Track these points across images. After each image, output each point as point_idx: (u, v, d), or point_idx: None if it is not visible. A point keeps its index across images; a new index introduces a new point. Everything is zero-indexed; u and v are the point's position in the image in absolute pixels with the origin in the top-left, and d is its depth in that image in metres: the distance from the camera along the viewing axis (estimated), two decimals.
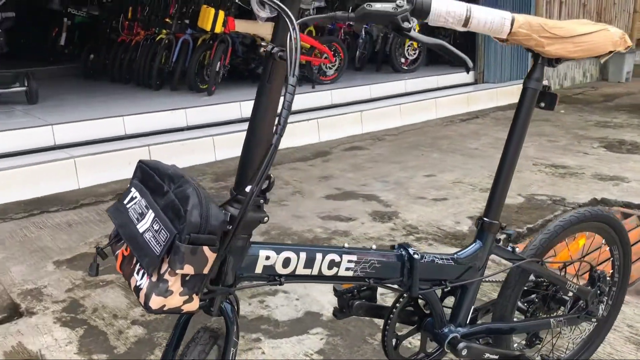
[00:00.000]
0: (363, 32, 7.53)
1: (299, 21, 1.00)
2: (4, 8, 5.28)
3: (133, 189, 1.09)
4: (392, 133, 5.68)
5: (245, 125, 1.09)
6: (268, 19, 5.39)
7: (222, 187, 4.08)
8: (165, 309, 0.97)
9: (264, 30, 5.59)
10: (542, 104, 1.51)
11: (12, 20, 5.25)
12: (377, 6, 0.95)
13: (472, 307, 1.57)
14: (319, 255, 1.24)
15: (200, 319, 1.18)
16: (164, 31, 6.15)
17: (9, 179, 3.74)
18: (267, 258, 1.17)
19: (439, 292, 1.58)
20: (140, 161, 1.15)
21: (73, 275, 2.77)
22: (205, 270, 0.97)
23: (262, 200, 1.12)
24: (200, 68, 5.71)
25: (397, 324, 1.52)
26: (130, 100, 5.46)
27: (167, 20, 6.11)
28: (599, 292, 1.74)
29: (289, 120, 1.00)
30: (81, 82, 7.12)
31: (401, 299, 1.49)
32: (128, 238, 1.01)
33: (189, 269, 0.94)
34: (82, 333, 2.27)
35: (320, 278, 1.26)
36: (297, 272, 1.22)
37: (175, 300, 0.96)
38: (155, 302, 0.96)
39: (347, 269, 1.29)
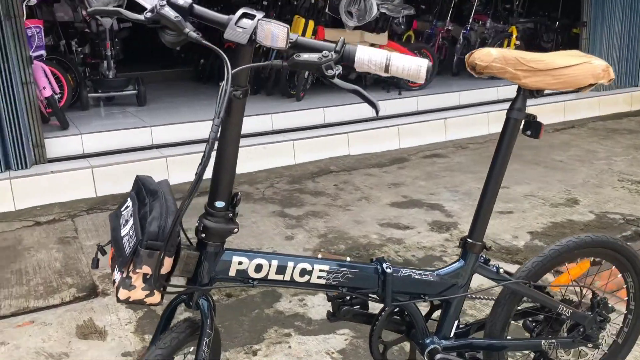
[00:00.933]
0: (461, 37, 7.48)
1: (234, 70, 1.16)
2: (122, 18, 5.91)
3: (128, 199, 1.33)
4: (477, 142, 5.63)
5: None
6: (356, 28, 5.58)
7: (295, 190, 4.32)
8: (130, 300, 1.19)
9: (351, 37, 5.77)
10: (529, 132, 1.56)
11: (129, 30, 5.86)
12: (305, 56, 1.11)
13: (456, 321, 1.65)
14: (290, 264, 1.41)
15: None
16: None
17: (110, 174, 4.23)
18: (240, 263, 1.37)
19: (427, 304, 1.69)
20: (137, 176, 1.39)
21: None
22: (163, 271, 1.18)
23: (230, 214, 1.31)
24: (292, 75, 6.01)
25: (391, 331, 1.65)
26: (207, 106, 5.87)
27: None
28: (599, 318, 1.75)
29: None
30: (190, 85, 7.71)
31: (386, 309, 1.62)
32: (114, 240, 1.25)
33: (147, 269, 1.16)
34: (141, 315, 2.60)
35: (293, 283, 1.43)
36: (269, 277, 1.40)
37: (138, 293, 1.19)
38: (122, 293, 1.19)
39: (319, 277, 1.45)
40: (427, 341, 1.63)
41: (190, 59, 8.52)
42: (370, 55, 1.11)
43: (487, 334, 1.71)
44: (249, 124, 5.06)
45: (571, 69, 1.46)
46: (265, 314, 2.57)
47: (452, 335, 1.66)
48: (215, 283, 1.36)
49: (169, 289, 1.26)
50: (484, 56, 1.43)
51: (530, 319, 1.78)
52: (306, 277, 1.44)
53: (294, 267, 1.42)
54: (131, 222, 1.22)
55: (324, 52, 1.10)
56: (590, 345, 1.75)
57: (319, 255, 1.47)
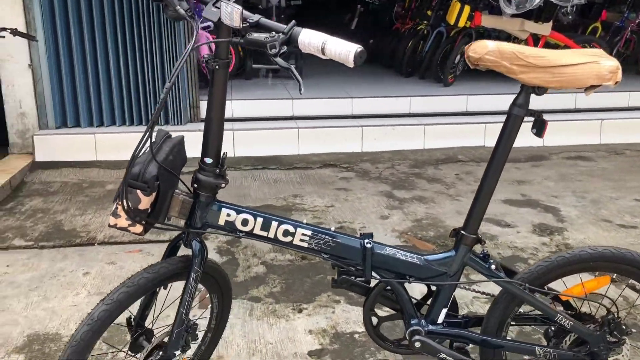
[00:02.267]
0: None
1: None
2: None
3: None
4: (637, 149, 5.09)
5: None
6: (513, 15, 5.34)
7: (413, 174, 4.37)
8: (117, 226, 1.46)
9: (510, 25, 5.53)
10: (534, 130, 1.52)
11: (297, 7, 6.28)
12: (255, 35, 1.25)
13: (444, 308, 1.67)
14: (274, 223, 1.58)
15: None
16: (424, 22, 6.53)
17: (248, 138, 4.68)
18: (228, 215, 1.56)
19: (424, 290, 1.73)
20: (158, 129, 1.64)
21: None
22: (141, 207, 1.42)
23: (218, 170, 1.51)
24: (444, 60, 5.96)
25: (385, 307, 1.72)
26: (373, 83, 6.03)
27: (428, 12, 6.47)
28: (610, 338, 1.63)
29: None
30: None
31: (380, 284, 1.70)
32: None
33: (127, 203, 1.41)
34: (224, 260, 2.94)
35: (277, 242, 1.59)
36: (254, 232, 1.58)
37: (122, 222, 1.44)
38: (111, 220, 1.45)
39: (302, 240, 1.59)
40: (413, 322, 1.68)
41: (362, 37, 8.80)
42: (310, 38, 1.21)
43: (483, 330, 1.70)
44: (385, 105, 5.19)
45: (573, 67, 1.39)
46: (327, 280, 2.74)
47: (440, 322, 1.69)
48: (207, 229, 1.58)
49: (161, 226, 1.51)
50: (478, 48, 1.42)
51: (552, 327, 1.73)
52: (289, 238, 1.59)
53: (277, 227, 1.58)
54: None
55: (272, 32, 1.23)
56: None
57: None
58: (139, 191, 1.41)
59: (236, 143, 4.64)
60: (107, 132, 4.56)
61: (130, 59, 4.62)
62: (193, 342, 1.74)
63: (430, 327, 1.68)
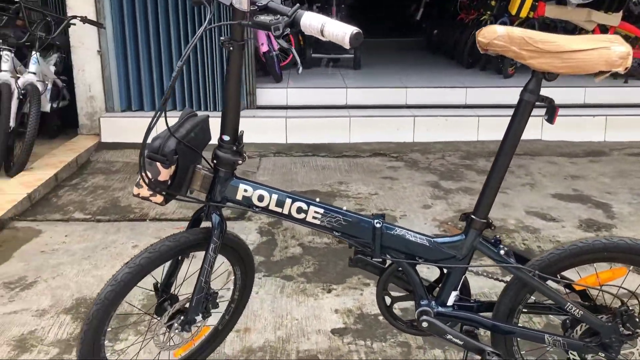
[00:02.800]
0: None
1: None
2: None
3: None
4: None
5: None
6: (580, 5, 5.16)
7: (464, 165, 4.33)
8: (140, 196, 1.57)
9: (576, 16, 5.33)
10: (546, 117, 1.52)
11: None
12: (261, 18, 1.31)
13: (454, 291, 1.70)
14: (288, 200, 1.65)
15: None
16: (487, 13, 6.40)
17: (301, 125, 4.78)
18: (246, 191, 1.65)
19: (436, 272, 1.76)
20: (188, 109, 1.75)
21: None
22: (160, 178, 1.53)
23: (235, 148, 1.60)
24: None
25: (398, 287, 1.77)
26: (432, 74, 5.99)
27: (492, 2, 6.34)
28: (623, 331, 1.61)
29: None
30: (418, 54, 7.94)
31: (392, 264, 1.75)
32: None
33: (148, 174, 1.52)
34: (264, 240, 3.06)
35: (291, 218, 1.67)
36: (270, 208, 1.66)
37: (144, 192, 1.56)
38: (135, 190, 1.57)
39: (314, 217, 1.66)
40: (423, 303, 1.72)
41: (427, 28, 8.72)
42: (311, 21, 1.27)
43: (494, 315, 1.72)
44: (440, 95, 5.15)
45: (583, 53, 1.37)
46: None
47: (450, 304, 1.71)
48: (226, 203, 1.67)
49: (182, 197, 1.62)
50: (488, 33, 1.44)
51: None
52: (302, 215, 1.66)
53: (291, 204, 1.65)
54: None
55: (277, 15, 1.30)
56: (603, 355, 1.62)
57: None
58: (158, 164, 1.52)
59: (289, 130, 4.74)
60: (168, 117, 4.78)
61: (191, 53, 4.81)
62: (215, 311, 1.86)
63: (440, 308, 1.71)
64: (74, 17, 4.19)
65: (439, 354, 2.12)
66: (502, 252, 1.63)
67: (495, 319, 1.71)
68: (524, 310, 1.72)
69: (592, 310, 1.66)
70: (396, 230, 1.67)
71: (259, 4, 1.35)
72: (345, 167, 4.30)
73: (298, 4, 1.33)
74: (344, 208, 1.69)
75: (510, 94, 5.16)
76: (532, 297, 1.70)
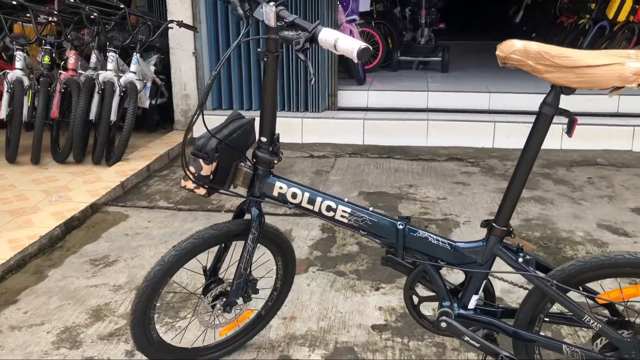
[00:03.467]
0: None
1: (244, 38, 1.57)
2: None
3: None
4: None
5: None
6: None
7: (541, 174, 4.23)
8: (186, 188, 1.77)
9: None
10: (565, 129, 1.54)
11: (444, 1, 6.30)
12: (285, 33, 1.45)
13: (475, 295, 1.76)
14: (319, 199, 1.79)
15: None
16: (587, 16, 6.16)
17: (378, 128, 4.87)
18: (281, 188, 1.81)
19: (460, 275, 1.82)
20: (236, 112, 1.93)
21: (360, 202, 3.70)
22: (203, 173, 1.71)
23: (271, 148, 1.76)
24: None
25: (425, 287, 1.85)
26: (521, 79, 5.84)
27: (592, 5, 6.08)
28: None
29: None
30: None
31: (419, 265, 1.83)
32: None
33: (192, 170, 1.71)
34: (324, 237, 3.21)
35: (321, 216, 1.80)
36: (302, 205, 1.80)
37: (190, 185, 1.75)
38: (182, 183, 1.77)
39: (342, 216, 1.78)
40: (445, 304, 1.79)
41: (526, 31, 8.47)
42: (327, 37, 1.39)
43: (515, 322, 1.75)
44: (524, 101, 5.04)
45: (598, 68, 1.39)
46: None
47: (472, 307, 1.77)
48: (265, 199, 1.84)
49: (215, 190, 1.81)
50: (505, 47, 1.49)
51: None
52: (331, 213, 1.79)
53: (321, 202, 1.79)
54: None
55: (298, 31, 1.44)
56: None
57: (345, 199, 1.79)
58: (201, 160, 1.71)
59: (366, 131, 4.86)
60: (254, 116, 5.05)
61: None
62: (257, 297, 2.03)
63: (461, 311, 1.78)
64: (171, 21, 4.57)
65: (472, 357, 2.16)
66: (520, 259, 1.67)
67: (516, 326, 1.74)
68: (545, 319, 1.74)
69: (618, 326, 1.66)
70: (419, 233, 1.75)
71: (287, 20, 1.50)
72: (418, 170, 4.35)
73: (319, 21, 1.46)
74: (371, 209, 1.80)
75: (599, 102, 4.99)
76: (554, 307, 1.72)
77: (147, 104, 4.94)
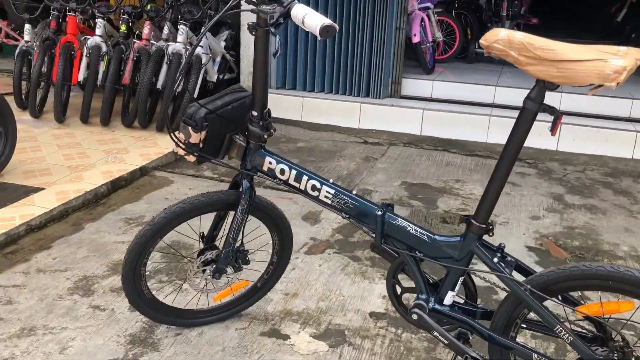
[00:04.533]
0: None
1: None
2: None
3: None
4: None
5: None
6: None
7: (603, 182, 3.98)
8: (178, 153, 1.83)
9: None
10: (550, 126, 1.46)
11: None
12: (262, 7, 1.45)
13: (451, 291, 1.71)
14: (305, 177, 1.80)
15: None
16: None
17: (437, 119, 4.76)
18: (270, 163, 1.83)
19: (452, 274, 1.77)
20: (238, 85, 1.96)
21: (399, 192, 3.66)
22: (192, 140, 1.76)
23: (262, 123, 1.79)
24: None
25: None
26: None
27: None
28: None
29: None
30: None
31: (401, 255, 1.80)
32: None
33: (181, 137, 1.77)
34: (339, 237, 3.20)
35: (307, 195, 1.81)
36: (289, 182, 1.82)
37: (181, 151, 1.81)
38: (174, 148, 1.83)
39: (326, 197, 1.78)
40: (421, 296, 1.76)
41: (628, 30, 7.90)
42: (298, 12, 1.39)
43: (491, 326, 1.69)
44: (599, 104, 4.74)
45: (579, 64, 1.30)
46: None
47: (448, 303, 1.72)
48: (257, 173, 1.87)
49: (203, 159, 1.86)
50: (490, 36, 1.42)
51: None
52: (316, 193, 1.80)
53: (307, 181, 1.80)
54: None
55: (271, 5, 1.45)
56: None
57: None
58: (190, 128, 1.77)
59: (424, 122, 4.76)
60: (314, 97, 5.09)
61: (344, 36, 5.04)
62: (250, 268, 2.09)
63: (436, 305, 1.73)
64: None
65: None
66: (496, 259, 1.60)
67: (492, 329, 1.68)
68: (523, 325, 1.67)
69: (600, 342, 1.56)
70: (398, 221, 1.73)
71: None
72: (471, 166, 4.22)
73: None
74: (354, 192, 1.78)
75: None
76: (533, 313, 1.64)
77: (214, 78, 5.11)
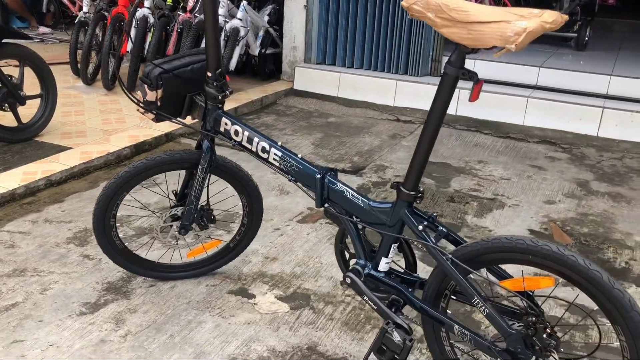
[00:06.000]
0: None
1: None
2: None
3: None
4: None
5: None
6: None
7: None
8: (139, 111, 1.92)
9: None
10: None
11: None
12: None
13: (384, 257, 1.70)
14: (256, 139, 1.84)
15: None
16: None
17: (479, 99, 4.62)
18: (226, 124, 1.89)
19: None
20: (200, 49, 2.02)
21: None
22: (148, 98, 1.84)
23: (216, 83, 1.84)
24: None
25: None
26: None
27: None
28: (534, 344, 1.45)
29: None
30: None
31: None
32: None
33: (139, 95, 1.86)
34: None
35: (259, 157, 1.86)
36: (243, 143, 1.87)
37: (141, 109, 1.90)
38: (137, 107, 1.93)
39: (274, 159, 1.82)
40: (360, 261, 1.77)
41: None
42: None
43: (423, 296, 1.68)
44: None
45: (486, 25, 1.25)
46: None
47: (383, 270, 1.72)
48: (217, 135, 1.94)
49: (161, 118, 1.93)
50: None
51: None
52: (266, 155, 1.84)
53: (258, 142, 1.85)
54: None
55: None
56: None
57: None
58: (145, 86, 1.85)
59: (460, 101, 4.64)
60: (351, 73, 5.08)
61: (384, 12, 4.98)
62: (213, 225, 2.17)
63: (372, 271, 1.74)
64: None
65: (419, 329, 2.09)
66: (421, 227, 1.58)
67: (423, 300, 1.67)
68: (452, 297, 1.65)
69: (524, 318, 1.52)
70: (337, 186, 1.74)
71: None
72: (500, 148, 4.09)
73: None
74: (299, 155, 1.81)
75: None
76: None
77: (256, 52, 5.21)
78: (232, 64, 4.75)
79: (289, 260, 2.52)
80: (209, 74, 1.86)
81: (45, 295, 2.18)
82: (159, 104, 1.89)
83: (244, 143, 1.87)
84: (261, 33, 5.22)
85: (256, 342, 1.99)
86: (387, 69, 5.06)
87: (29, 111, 3.75)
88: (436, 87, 1.48)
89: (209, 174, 2.03)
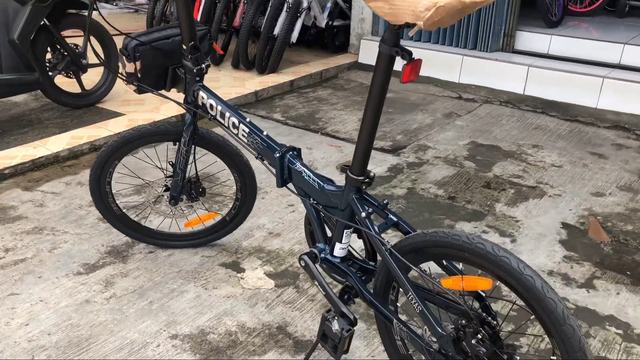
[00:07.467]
0: None
1: None
2: None
3: None
4: None
5: None
6: None
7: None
8: (124, 82, 1.95)
9: None
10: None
11: None
12: None
13: (338, 243, 1.63)
14: (228, 114, 1.82)
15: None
16: None
17: (545, 78, 4.28)
18: (203, 97, 1.88)
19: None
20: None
21: (458, 152, 3.44)
22: (127, 70, 1.86)
23: (191, 56, 1.83)
24: None
25: None
26: None
27: None
28: (464, 347, 1.34)
29: None
30: None
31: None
32: None
33: (121, 67, 1.88)
34: (383, 179, 3.11)
35: (230, 132, 1.83)
36: (217, 118, 1.86)
37: (123, 80, 1.93)
38: (119, 79, 1.96)
39: (242, 135, 1.79)
40: (319, 245, 1.72)
41: None
42: None
43: (374, 287, 1.60)
44: None
45: (403, 0, 1.14)
46: (446, 222, 2.65)
47: (338, 255, 1.66)
48: (198, 110, 1.94)
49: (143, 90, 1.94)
50: None
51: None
52: (236, 130, 1.82)
53: (229, 117, 1.83)
54: None
55: None
56: None
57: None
58: (124, 58, 1.88)
59: (529, 80, 4.32)
60: (416, 47, 4.88)
61: None
62: (203, 197, 2.20)
63: (328, 256, 1.68)
64: None
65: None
66: (364, 214, 1.50)
67: (374, 290, 1.60)
68: (401, 289, 1.55)
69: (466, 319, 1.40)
70: (296, 166, 1.69)
71: None
72: (563, 132, 3.77)
73: None
74: (265, 133, 1.77)
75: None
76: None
77: (323, 24, 5.15)
78: (294, 37, 4.72)
79: (291, 237, 2.50)
80: (184, 47, 1.86)
81: (52, 253, 2.32)
82: (139, 75, 1.92)
83: (218, 117, 1.86)
84: (329, 5, 5.14)
85: (229, 316, 2.00)
86: (455, 43, 4.81)
87: (96, 78, 3.98)
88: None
89: (192, 147, 2.05)
